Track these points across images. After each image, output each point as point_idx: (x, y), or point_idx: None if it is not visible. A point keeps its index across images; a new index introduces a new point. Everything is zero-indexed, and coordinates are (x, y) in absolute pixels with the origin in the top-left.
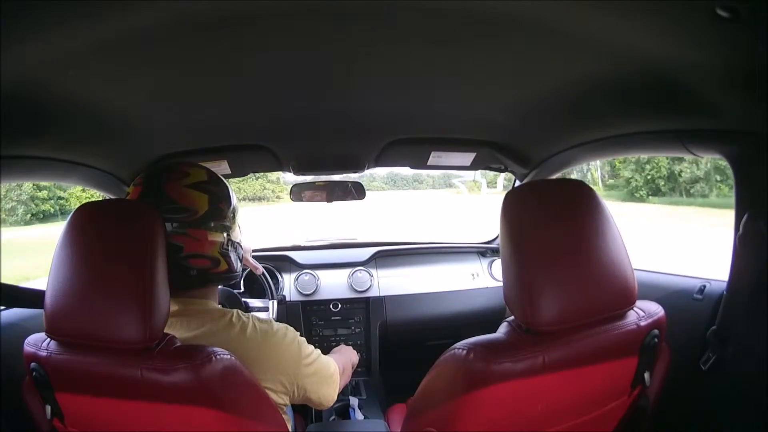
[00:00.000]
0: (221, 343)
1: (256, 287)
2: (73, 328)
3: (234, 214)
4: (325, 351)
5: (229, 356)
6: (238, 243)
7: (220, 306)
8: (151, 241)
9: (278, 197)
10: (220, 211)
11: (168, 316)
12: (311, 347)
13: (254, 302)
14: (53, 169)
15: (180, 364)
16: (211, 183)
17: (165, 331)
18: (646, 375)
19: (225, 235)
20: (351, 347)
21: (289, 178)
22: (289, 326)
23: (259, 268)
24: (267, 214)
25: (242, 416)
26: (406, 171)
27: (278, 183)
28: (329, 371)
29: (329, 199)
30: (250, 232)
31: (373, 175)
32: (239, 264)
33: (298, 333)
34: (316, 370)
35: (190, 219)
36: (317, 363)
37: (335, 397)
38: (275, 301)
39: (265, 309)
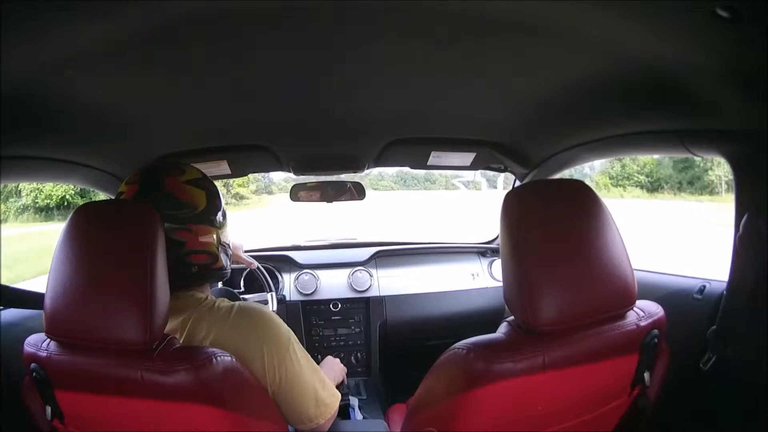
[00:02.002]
0: (206, 324)
1: (256, 286)
2: (73, 329)
3: (224, 215)
4: (325, 351)
5: (229, 357)
6: (227, 243)
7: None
8: (151, 241)
9: (241, 198)
10: (216, 208)
11: (168, 317)
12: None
13: (252, 297)
14: (53, 169)
15: (180, 365)
16: (205, 180)
17: None
18: (646, 375)
19: (216, 234)
20: (338, 360)
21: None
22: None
23: (254, 263)
24: None
25: (243, 416)
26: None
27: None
28: (322, 391)
29: (329, 200)
30: None
31: (381, 174)
32: (229, 263)
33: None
34: (306, 369)
35: (190, 214)
36: (310, 368)
37: (315, 416)
38: (273, 293)
39: (264, 302)
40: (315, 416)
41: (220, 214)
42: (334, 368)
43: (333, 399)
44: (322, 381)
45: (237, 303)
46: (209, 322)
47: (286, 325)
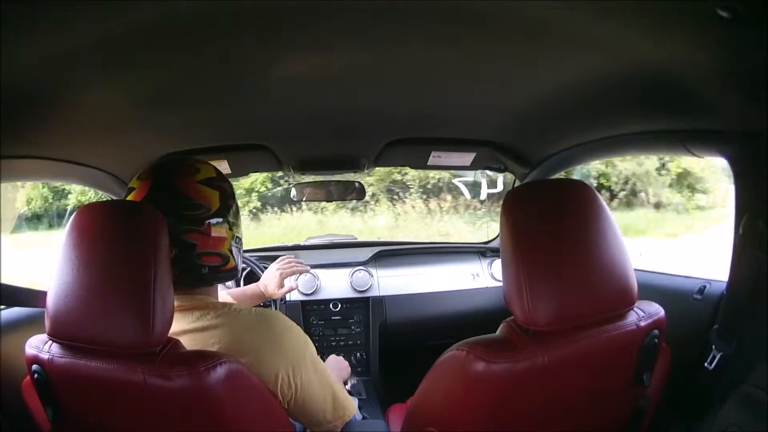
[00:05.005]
0: (223, 331)
1: None
2: (76, 332)
3: (237, 213)
4: (325, 351)
5: (235, 362)
6: (239, 238)
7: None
8: (154, 242)
9: None
10: (229, 208)
11: (172, 321)
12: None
13: None
14: (53, 169)
15: (183, 369)
16: (219, 180)
17: None
18: (646, 375)
19: (232, 231)
20: (342, 358)
21: None
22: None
23: (292, 288)
24: None
25: (248, 421)
26: None
27: None
28: (340, 393)
29: (330, 199)
30: None
31: None
32: (240, 260)
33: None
34: (322, 374)
35: (203, 215)
36: (326, 373)
37: (333, 419)
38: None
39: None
40: (333, 419)
41: (232, 212)
42: (338, 367)
43: (349, 402)
44: (338, 384)
45: (254, 309)
46: (224, 327)
47: (302, 332)
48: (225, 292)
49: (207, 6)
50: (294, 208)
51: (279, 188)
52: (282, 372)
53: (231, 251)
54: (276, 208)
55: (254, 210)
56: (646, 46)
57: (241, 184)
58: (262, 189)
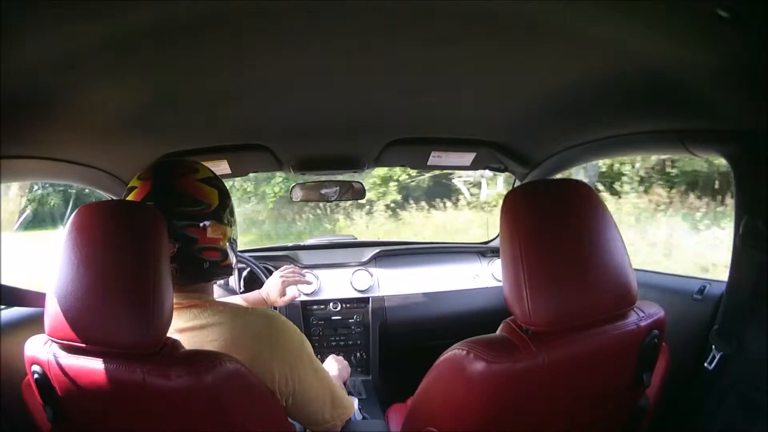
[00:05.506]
0: (220, 330)
1: (255, 288)
2: (75, 332)
3: (233, 212)
4: (325, 351)
5: (234, 361)
6: (234, 239)
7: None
8: (154, 242)
9: None
10: (226, 207)
11: (171, 320)
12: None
13: None
14: (53, 169)
15: (183, 369)
16: (216, 179)
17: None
18: (646, 375)
19: (229, 228)
20: (342, 358)
21: None
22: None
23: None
24: None
25: (248, 422)
26: None
27: None
28: (338, 392)
29: (329, 199)
30: None
31: None
32: (235, 259)
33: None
34: (320, 373)
35: (204, 212)
36: (324, 372)
37: (331, 418)
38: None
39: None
40: (332, 418)
41: (229, 211)
42: (338, 367)
43: (348, 402)
44: (337, 384)
45: (251, 308)
46: (221, 325)
47: (299, 331)
48: (228, 299)
49: (207, 6)
50: (448, 203)
51: (427, 175)
52: (279, 370)
53: (228, 247)
54: (422, 202)
55: (392, 204)
56: (646, 46)
57: (376, 173)
58: (404, 177)
